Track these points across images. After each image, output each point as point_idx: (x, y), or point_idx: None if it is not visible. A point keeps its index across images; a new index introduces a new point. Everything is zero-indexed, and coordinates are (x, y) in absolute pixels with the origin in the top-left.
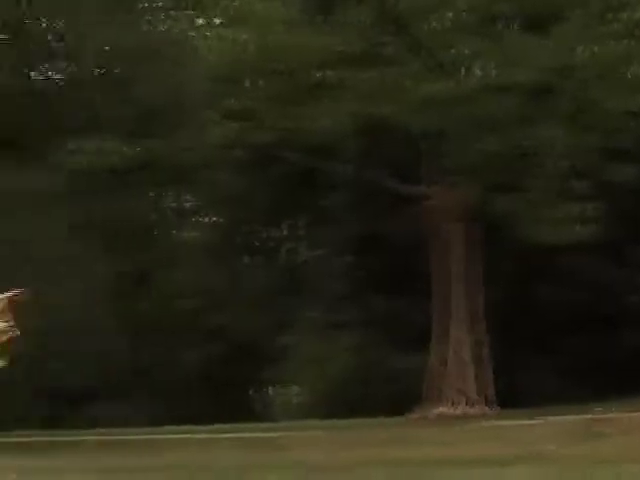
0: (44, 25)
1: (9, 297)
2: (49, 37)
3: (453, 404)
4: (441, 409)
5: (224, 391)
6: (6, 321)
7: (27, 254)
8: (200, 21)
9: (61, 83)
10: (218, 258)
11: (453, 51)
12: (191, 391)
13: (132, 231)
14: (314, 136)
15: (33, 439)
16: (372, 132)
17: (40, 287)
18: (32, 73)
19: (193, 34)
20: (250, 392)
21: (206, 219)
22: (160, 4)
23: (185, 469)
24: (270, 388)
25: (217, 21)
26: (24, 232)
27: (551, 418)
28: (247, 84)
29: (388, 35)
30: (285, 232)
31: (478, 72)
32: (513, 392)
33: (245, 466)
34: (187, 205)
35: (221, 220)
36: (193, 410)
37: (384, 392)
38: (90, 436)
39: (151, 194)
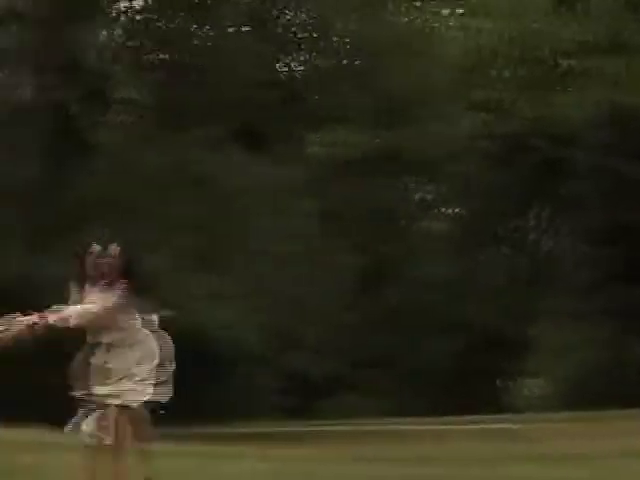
0: (288, 17)
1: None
2: (293, 29)
3: None
4: None
5: (470, 382)
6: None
7: (265, 249)
8: (444, 11)
9: (305, 74)
10: (463, 249)
11: None
12: (437, 382)
13: (377, 222)
14: (561, 125)
15: (286, 429)
16: (618, 120)
17: (282, 281)
18: (277, 65)
19: (437, 24)
20: (497, 383)
21: (450, 210)
22: None
23: (434, 460)
24: (517, 379)
25: (460, 11)
26: (263, 226)
27: None
28: (493, 74)
29: (634, 23)
30: (532, 222)
31: None
32: None
33: (491, 457)
34: (431, 196)
35: (465, 211)
36: (439, 401)
37: (630, 382)
38: (339, 426)
39: (396, 185)
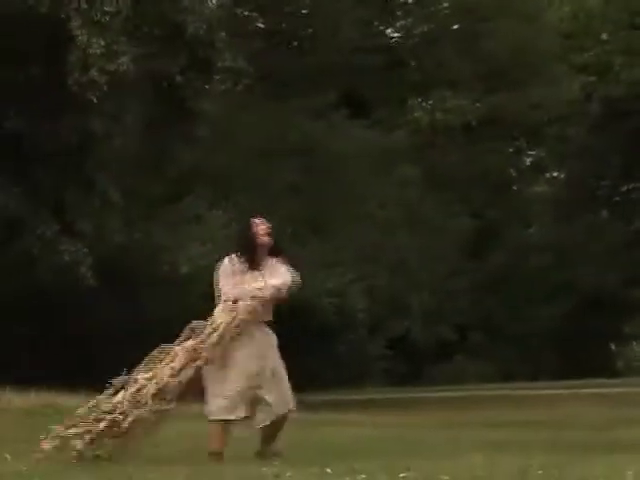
0: None
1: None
2: None
3: None
4: None
5: (581, 346)
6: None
7: (370, 215)
8: None
9: (407, 39)
10: (569, 213)
11: None
12: (546, 347)
13: (482, 187)
14: None
15: (394, 396)
16: None
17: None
18: (388, 30)
19: None
20: (610, 347)
21: (555, 174)
22: None
23: (546, 424)
24: (630, 343)
25: None
26: (368, 192)
27: None
28: (601, 37)
29: None
30: (637, 185)
31: None
32: None
33: (602, 422)
34: (536, 160)
35: (570, 175)
36: (549, 366)
37: None
38: (448, 392)
39: (500, 150)
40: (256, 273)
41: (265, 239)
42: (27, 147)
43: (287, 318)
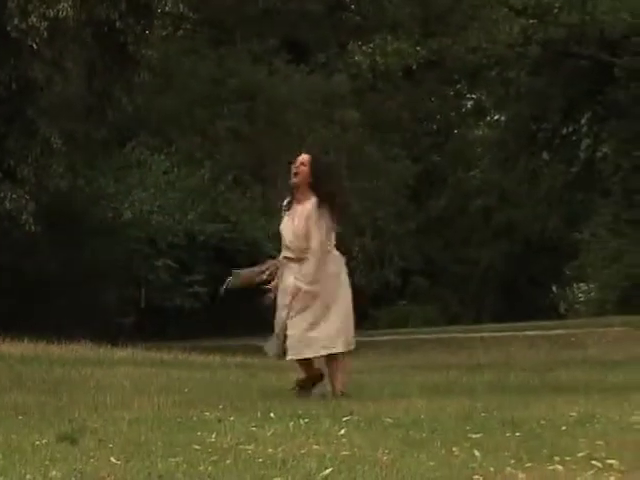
0: None
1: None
2: None
3: None
4: None
5: (522, 289)
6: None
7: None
8: None
9: None
10: (511, 156)
11: None
12: (488, 289)
13: (425, 131)
14: (603, 30)
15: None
16: None
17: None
18: None
19: None
20: (552, 289)
21: (497, 117)
22: None
23: (489, 367)
24: (569, 285)
25: None
26: (310, 137)
27: None
28: None
29: None
30: (578, 128)
31: None
32: None
33: (542, 363)
34: (476, 104)
35: (510, 118)
36: (490, 308)
37: None
38: (392, 336)
39: (441, 93)
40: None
41: (293, 180)
42: None
43: (231, 264)
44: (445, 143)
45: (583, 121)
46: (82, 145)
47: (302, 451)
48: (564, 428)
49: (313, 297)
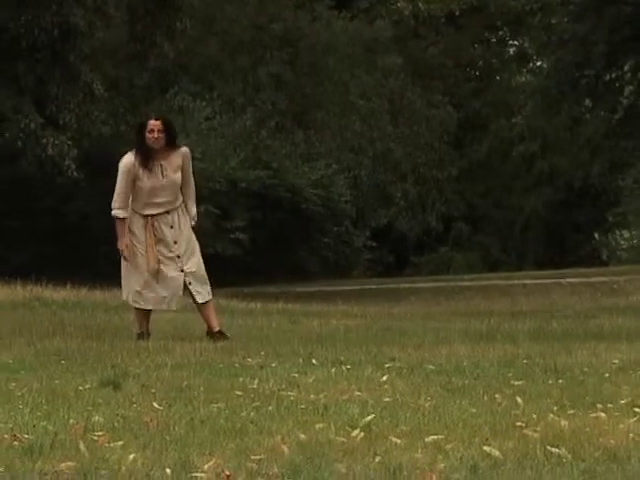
0: None
1: None
2: None
3: None
4: None
5: (564, 235)
6: None
7: (354, 106)
8: None
9: None
10: (553, 103)
11: None
12: (529, 236)
13: (467, 77)
14: None
15: (377, 287)
16: None
17: (371, 138)
18: None
19: None
20: (595, 236)
21: (540, 63)
22: None
23: (532, 314)
24: (617, 232)
25: None
26: (351, 83)
27: None
28: None
29: None
30: (621, 74)
31: None
32: None
33: (592, 310)
34: (521, 50)
35: (556, 64)
36: (532, 255)
37: None
38: (432, 283)
39: (487, 39)
40: (154, 170)
41: (153, 144)
42: (7, 41)
43: (272, 211)
44: (487, 90)
45: (626, 68)
46: (124, 91)
47: (344, 397)
48: (607, 375)
49: None
